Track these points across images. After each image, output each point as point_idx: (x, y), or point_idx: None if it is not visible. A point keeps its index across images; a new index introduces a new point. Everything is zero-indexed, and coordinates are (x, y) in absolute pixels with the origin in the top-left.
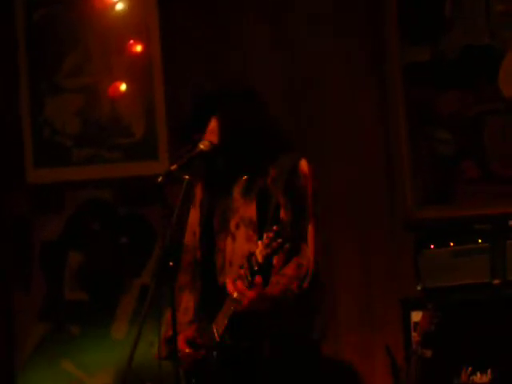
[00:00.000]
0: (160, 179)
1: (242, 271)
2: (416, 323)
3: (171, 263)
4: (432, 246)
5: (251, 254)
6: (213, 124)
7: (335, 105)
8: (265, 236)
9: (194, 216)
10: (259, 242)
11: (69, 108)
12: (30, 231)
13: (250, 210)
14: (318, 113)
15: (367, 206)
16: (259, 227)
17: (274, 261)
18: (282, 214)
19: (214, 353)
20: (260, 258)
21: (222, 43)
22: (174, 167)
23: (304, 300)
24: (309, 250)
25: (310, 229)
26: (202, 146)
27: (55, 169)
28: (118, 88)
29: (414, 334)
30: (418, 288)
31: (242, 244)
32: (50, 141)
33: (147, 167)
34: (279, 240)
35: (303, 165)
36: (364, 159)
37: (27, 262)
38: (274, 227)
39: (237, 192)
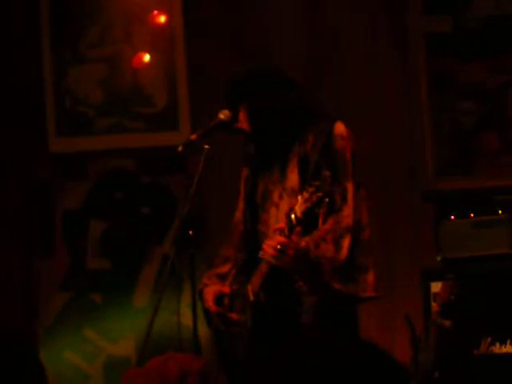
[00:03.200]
0: (180, 148)
1: (280, 225)
2: (436, 294)
3: (191, 232)
4: (452, 217)
5: (290, 209)
6: (242, 113)
7: (356, 76)
8: (304, 191)
9: (241, 192)
10: (299, 197)
11: (91, 78)
12: (53, 200)
13: (291, 180)
14: (339, 86)
15: (387, 176)
16: None
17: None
18: (323, 173)
19: (249, 321)
20: (299, 213)
21: (246, 18)
22: (193, 137)
23: (347, 258)
24: (348, 209)
25: (350, 188)
26: (221, 116)
27: (77, 138)
28: (141, 58)
29: (433, 305)
30: (438, 259)
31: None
32: (73, 110)
33: (168, 138)
34: (319, 194)
35: (339, 127)
36: (385, 130)
37: (49, 230)
38: (315, 182)
39: (277, 165)
